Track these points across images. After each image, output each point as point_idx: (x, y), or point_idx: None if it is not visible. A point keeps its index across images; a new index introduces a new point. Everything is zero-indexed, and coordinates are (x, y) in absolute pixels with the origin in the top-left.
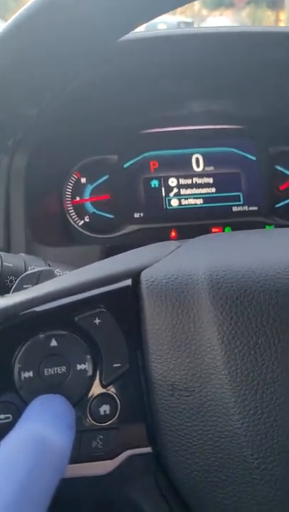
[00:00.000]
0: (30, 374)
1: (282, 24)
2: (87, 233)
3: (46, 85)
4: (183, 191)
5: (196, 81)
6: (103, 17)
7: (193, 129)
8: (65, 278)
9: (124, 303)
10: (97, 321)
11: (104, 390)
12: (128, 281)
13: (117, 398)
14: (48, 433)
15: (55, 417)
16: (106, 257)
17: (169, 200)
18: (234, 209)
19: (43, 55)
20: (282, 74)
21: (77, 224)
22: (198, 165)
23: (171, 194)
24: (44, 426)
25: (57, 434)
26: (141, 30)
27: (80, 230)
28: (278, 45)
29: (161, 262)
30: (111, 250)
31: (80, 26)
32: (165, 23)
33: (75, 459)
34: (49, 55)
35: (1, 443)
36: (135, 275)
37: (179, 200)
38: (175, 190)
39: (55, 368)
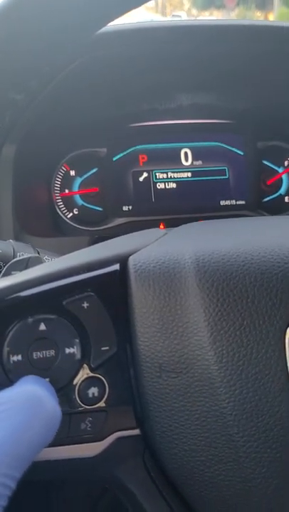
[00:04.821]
0: (19, 357)
1: None
2: (76, 225)
3: (32, 71)
4: (171, 185)
5: (185, 73)
6: (83, 7)
7: (182, 123)
8: (53, 263)
9: (112, 287)
10: (85, 304)
11: (92, 373)
12: (116, 266)
13: (105, 381)
14: (44, 394)
15: (47, 387)
16: None
17: (158, 194)
18: (222, 203)
19: (25, 42)
20: (270, 68)
21: (66, 216)
22: (186, 159)
23: (160, 187)
24: (40, 388)
25: (51, 398)
26: (128, 22)
27: (69, 222)
28: (266, 38)
29: (149, 247)
30: (99, 242)
31: (60, 16)
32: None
33: (64, 441)
34: (31, 43)
35: None
36: (123, 260)
37: (168, 193)
38: (164, 184)
39: (44, 352)
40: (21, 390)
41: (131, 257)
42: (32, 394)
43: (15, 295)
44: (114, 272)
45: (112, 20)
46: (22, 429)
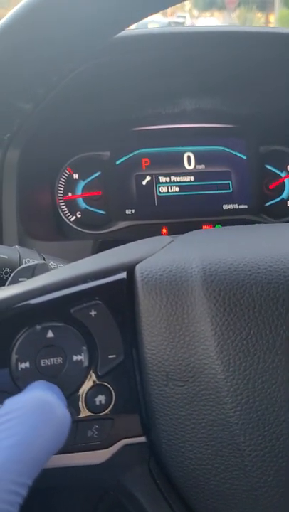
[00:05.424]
0: (27, 365)
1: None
2: (79, 229)
3: (41, 80)
4: (174, 189)
5: (189, 79)
6: (95, 16)
7: (185, 128)
8: (61, 271)
9: (119, 295)
10: (92, 312)
11: (99, 381)
12: (123, 274)
13: (112, 389)
14: (53, 400)
15: (56, 392)
16: (98, 252)
17: (160, 197)
18: (224, 207)
19: (37, 52)
20: (273, 73)
21: (69, 219)
22: (189, 163)
23: (163, 191)
24: (50, 394)
25: (61, 403)
26: (132, 28)
27: (72, 225)
28: (269, 45)
29: (155, 255)
30: (103, 245)
31: (72, 26)
32: (156, 22)
33: (71, 448)
34: (42, 52)
35: (6, 401)
36: (130, 268)
37: (170, 197)
38: (166, 188)
39: (52, 359)
40: (31, 397)
41: (138, 266)
42: (42, 400)
43: (23, 303)
44: (122, 280)
45: (124, 29)
46: (33, 436)
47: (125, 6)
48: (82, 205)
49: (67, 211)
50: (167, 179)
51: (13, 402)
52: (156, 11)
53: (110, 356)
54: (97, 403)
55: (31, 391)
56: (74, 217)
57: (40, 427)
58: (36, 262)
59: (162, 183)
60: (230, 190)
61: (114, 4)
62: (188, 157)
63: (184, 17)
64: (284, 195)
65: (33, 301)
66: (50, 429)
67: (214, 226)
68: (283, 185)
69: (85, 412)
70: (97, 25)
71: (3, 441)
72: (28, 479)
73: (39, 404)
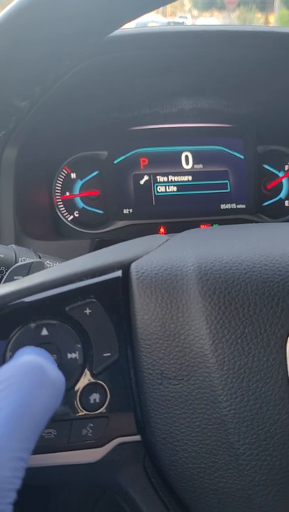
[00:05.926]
0: None
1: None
2: (77, 228)
3: (37, 79)
4: (172, 188)
5: (187, 78)
6: (90, 14)
7: (183, 127)
8: (56, 269)
9: (115, 294)
10: (87, 311)
11: (94, 379)
12: (118, 273)
13: (106, 387)
14: (44, 362)
15: (45, 355)
16: None
17: (158, 197)
18: (222, 206)
19: (32, 50)
20: (272, 73)
21: (67, 219)
22: (187, 162)
23: (161, 191)
24: (39, 357)
25: (51, 365)
26: (130, 27)
27: (70, 224)
28: (269, 44)
29: (151, 254)
30: (100, 245)
31: (68, 24)
32: (156, 22)
33: (66, 446)
34: (37, 50)
35: None
36: (125, 267)
37: (168, 196)
38: (164, 187)
39: None
40: (21, 363)
41: (133, 264)
42: (32, 364)
43: (18, 301)
44: (117, 278)
45: (122, 25)
46: (29, 402)
47: (120, 4)
48: (80, 204)
49: (64, 210)
50: (165, 179)
51: (3, 371)
52: (150, 10)
53: (105, 354)
54: (92, 401)
55: (20, 357)
56: (72, 217)
57: (34, 392)
58: (32, 260)
59: (160, 182)
60: (228, 190)
61: (109, 2)
62: (186, 157)
63: (186, 17)
64: (282, 195)
65: (27, 299)
66: (45, 391)
67: (212, 225)
68: (281, 185)
69: (79, 411)
70: (92, 22)
71: (1, 412)
72: (30, 444)
73: (30, 369)
